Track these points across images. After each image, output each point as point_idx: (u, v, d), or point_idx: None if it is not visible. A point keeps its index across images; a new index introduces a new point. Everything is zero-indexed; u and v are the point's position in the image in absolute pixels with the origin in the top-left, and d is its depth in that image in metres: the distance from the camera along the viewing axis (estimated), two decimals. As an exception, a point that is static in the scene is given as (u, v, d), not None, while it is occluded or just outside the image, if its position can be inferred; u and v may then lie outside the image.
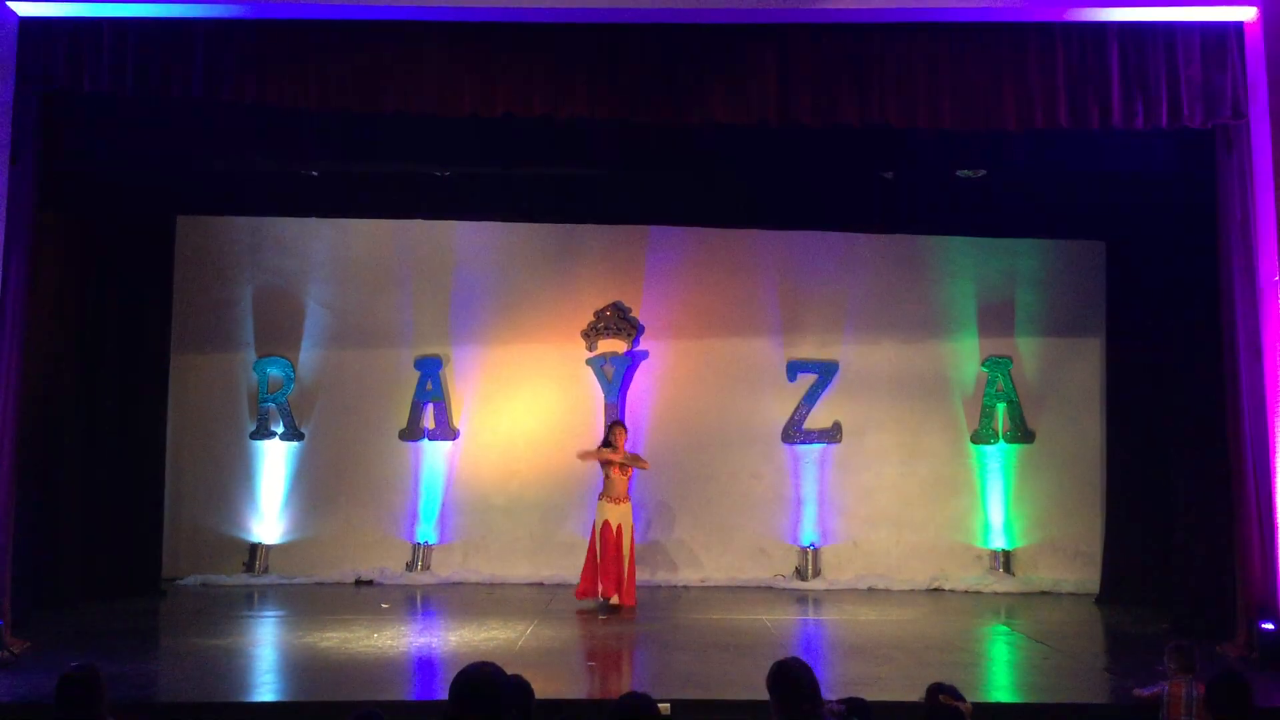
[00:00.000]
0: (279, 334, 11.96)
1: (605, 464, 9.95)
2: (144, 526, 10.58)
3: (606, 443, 10.08)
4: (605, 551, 9.73)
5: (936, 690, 4.34)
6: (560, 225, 11.66)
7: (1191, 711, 5.40)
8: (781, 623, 9.66)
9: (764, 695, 3.88)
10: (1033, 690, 7.33)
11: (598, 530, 9.84)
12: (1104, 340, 11.31)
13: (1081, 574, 11.30)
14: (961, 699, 4.33)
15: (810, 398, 11.83)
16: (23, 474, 8.06)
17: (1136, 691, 5.95)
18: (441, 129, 8.76)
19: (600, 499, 9.95)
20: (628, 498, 9.96)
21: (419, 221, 11.63)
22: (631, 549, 9.97)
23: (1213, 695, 4.52)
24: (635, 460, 10.12)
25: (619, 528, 9.80)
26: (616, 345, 11.90)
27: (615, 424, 10.30)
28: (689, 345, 11.95)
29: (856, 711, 4.21)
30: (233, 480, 11.82)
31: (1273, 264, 7.80)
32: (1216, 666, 5.46)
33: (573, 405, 11.81)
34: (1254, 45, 7.94)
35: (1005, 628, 9.55)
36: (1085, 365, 11.65)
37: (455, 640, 8.45)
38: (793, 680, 3.84)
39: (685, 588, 11.43)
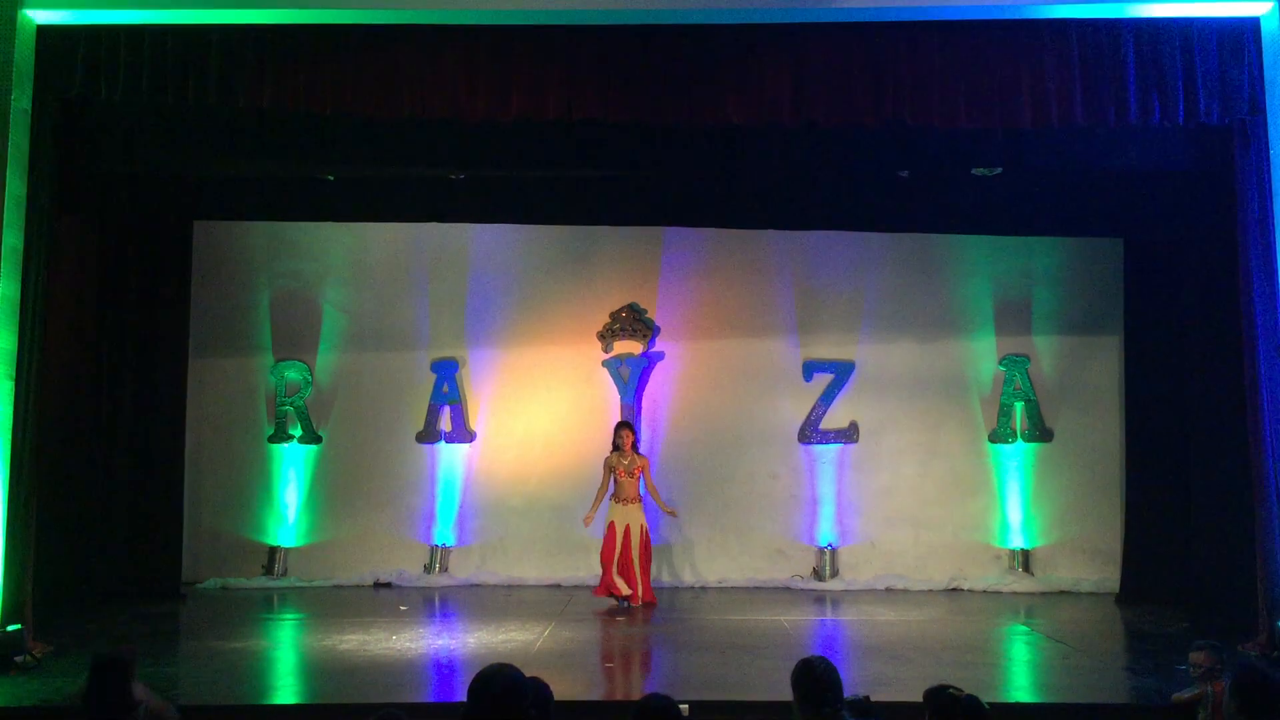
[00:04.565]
0: (296, 338, 12.01)
1: (614, 468, 10.14)
2: (163, 530, 10.63)
3: (614, 445, 10.23)
4: (621, 554, 9.89)
5: (939, 690, 4.27)
6: (575, 227, 11.66)
7: (1219, 711, 5.35)
8: (800, 623, 9.65)
9: (783, 696, 3.88)
10: (1053, 690, 7.30)
11: (608, 533, 10.02)
12: (1122, 338, 11.23)
13: (1101, 573, 11.24)
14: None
15: (827, 398, 11.81)
16: (43, 479, 8.10)
17: (1176, 696, 5.91)
18: (456, 133, 8.78)
19: (611, 501, 10.12)
20: (638, 499, 10.12)
21: (434, 225, 11.63)
22: (645, 547, 10.07)
23: (1240, 693, 4.47)
24: (644, 470, 10.23)
25: (627, 528, 9.97)
26: (632, 346, 11.91)
27: (621, 425, 10.49)
28: (705, 346, 11.94)
29: (862, 711, 4.19)
30: (251, 484, 11.87)
31: (1291, 260, 7.76)
32: (1241, 665, 5.42)
33: (589, 407, 11.81)
34: (1271, 40, 7.89)
35: (1025, 627, 9.52)
36: (1104, 363, 11.59)
37: (473, 642, 8.47)
38: (816, 679, 3.83)
39: (703, 589, 11.43)
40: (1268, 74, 7.90)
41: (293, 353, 11.98)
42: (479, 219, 11.41)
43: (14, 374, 7.69)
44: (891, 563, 11.58)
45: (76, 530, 9.62)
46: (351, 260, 12.13)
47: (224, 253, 11.86)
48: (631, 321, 11.93)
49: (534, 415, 11.93)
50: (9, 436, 7.63)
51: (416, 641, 8.51)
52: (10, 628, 7.43)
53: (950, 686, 4.14)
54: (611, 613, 9.73)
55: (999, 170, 9.84)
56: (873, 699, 4.62)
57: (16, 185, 7.76)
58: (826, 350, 11.90)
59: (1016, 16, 7.97)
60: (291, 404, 11.89)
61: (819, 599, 11.02)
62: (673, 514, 10.46)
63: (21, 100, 7.83)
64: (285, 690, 7.52)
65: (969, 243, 11.79)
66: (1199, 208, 9.35)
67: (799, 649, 7.94)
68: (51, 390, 8.54)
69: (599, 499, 10.19)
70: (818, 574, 11.55)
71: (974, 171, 9.83)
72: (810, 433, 11.82)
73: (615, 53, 8.09)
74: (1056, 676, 7.65)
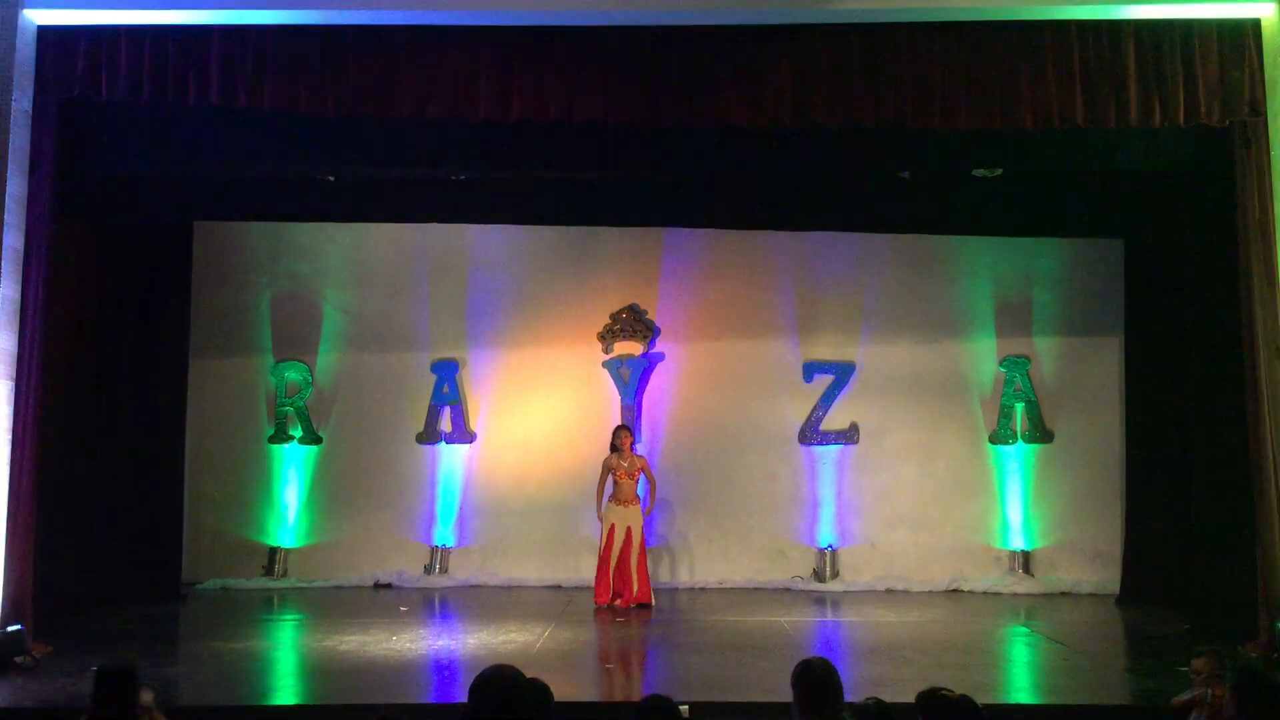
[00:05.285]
0: (297, 339, 12.02)
1: (612, 469, 10.18)
2: (164, 531, 10.63)
3: (613, 447, 10.27)
4: (618, 556, 9.96)
5: (931, 693, 4.23)
6: (576, 228, 11.67)
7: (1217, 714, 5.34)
8: (799, 624, 9.64)
9: (783, 697, 3.87)
10: (1053, 692, 7.28)
11: (606, 534, 10.06)
12: (1123, 339, 11.23)
13: (1101, 574, 11.24)
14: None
15: (827, 399, 11.81)
16: (43, 480, 8.10)
17: (1176, 699, 5.91)
18: (457, 133, 8.77)
19: (609, 502, 10.14)
20: (636, 499, 10.15)
21: (435, 225, 11.67)
22: (642, 549, 10.12)
23: (1240, 695, 4.46)
24: (644, 469, 10.31)
25: (629, 530, 10.03)
26: (632, 347, 11.91)
27: (620, 428, 10.54)
28: (705, 347, 11.94)
29: (879, 713, 4.17)
30: (252, 485, 11.88)
31: (1292, 261, 7.76)
32: (1241, 667, 5.41)
33: (589, 408, 11.82)
34: (1271, 41, 7.89)
35: (1025, 629, 9.51)
36: (1104, 364, 11.59)
37: (474, 643, 8.46)
38: (816, 680, 3.83)
39: (703, 589, 11.43)
40: (1268, 75, 7.90)
41: (293, 353, 11.99)
42: (479, 219, 11.43)
43: (14, 374, 7.70)
44: (892, 564, 11.58)
45: (76, 530, 9.60)
46: (352, 261, 12.14)
47: (224, 254, 11.87)
48: (632, 322, 11.93)
49: (534, 416, 11.93)
50: (9, 437, 7.63)
51: (416, 642, 8.50)
52: (10, 628, 7.43)
53: (943, 688, 4.14)
54: (610, 615, 9.73)
55: (999, 171, 9.83)
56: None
57: (17, 186, 7.77)
58: (827, 351, 11.91)
59: (1017, 17, 7.97)
60: (292, 405, 11.90)
61: (819, 600, 11.02)
62: (646, 512, 10.33)
63: (22, 101, 7.84)
64: (285, 691, 7.51)
65: (969, 244, 11.79)
66: (1199, 209, 9.35)
67: (799, 650, 7.93)
68: (51, 390, 8.53)
69: (601, 497, 10.21)
70: (818, 575, 11.55)
71: (975, 172, 9.83)
72: (810, 434, 11.82)
73: (615, 54, 8.10)
74: (1056, 678, 7.64)
